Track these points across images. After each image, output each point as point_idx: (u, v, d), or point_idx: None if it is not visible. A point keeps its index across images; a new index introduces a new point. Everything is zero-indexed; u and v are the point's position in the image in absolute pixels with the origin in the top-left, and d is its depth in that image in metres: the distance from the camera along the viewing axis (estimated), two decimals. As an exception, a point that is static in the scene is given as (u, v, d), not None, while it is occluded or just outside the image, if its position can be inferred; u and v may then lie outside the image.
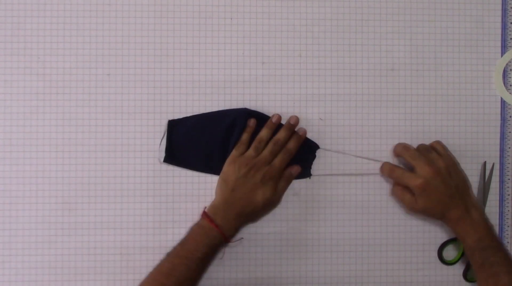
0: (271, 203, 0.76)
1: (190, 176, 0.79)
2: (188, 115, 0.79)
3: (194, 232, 0.72)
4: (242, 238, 0.78)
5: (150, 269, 0.73)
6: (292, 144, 0.78)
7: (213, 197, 0.78)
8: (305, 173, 0.80)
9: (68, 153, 0.78)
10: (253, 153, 0.75)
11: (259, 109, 0.80)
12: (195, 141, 0.79)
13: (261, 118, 0.79)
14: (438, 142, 0.78)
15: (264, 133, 0.77)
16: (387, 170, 0.78)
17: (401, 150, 0.77)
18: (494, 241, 0.71)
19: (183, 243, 0.71)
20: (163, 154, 0.78)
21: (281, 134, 0.77)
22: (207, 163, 0.78)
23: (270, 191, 0.74)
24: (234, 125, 0.78)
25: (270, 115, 0.79)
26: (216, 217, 0.72)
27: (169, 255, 0.71)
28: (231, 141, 0.77)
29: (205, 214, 0.73)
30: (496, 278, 0.69)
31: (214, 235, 0.71)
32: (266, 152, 0.76)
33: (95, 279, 0.78)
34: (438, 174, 0.73)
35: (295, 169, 0.78)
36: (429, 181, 0.73)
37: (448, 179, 0.73)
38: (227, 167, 0.76)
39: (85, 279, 0.78)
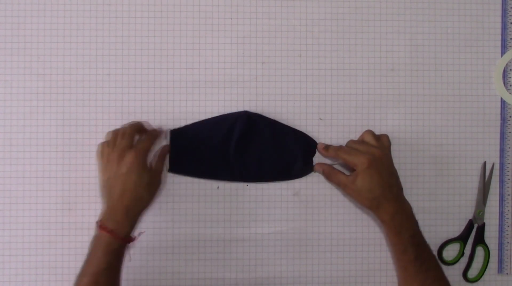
0: (152, 185, 0.73)
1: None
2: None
3: (92, 245, 0.69)
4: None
5: (150, 269, 0.73)
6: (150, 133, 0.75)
7: (213, 197, 0.78)
8: (307, 169, 0.80)
9: (68, 153, 0.78)
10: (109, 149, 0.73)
11: (259, 109, 0.80)
12: (198, 149, 0.78)
13: (262, 120, 0.78)
14: (385, 135, 0.77)
15: (123, 128, 0.74)
16: (333, 149, 0.77)
17: (334, 151, 0.76)
18: (422, 238, 0.73)
19: (86, 260, 0.69)
20: (167, 164, 0.78)
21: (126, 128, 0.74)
22: (212, 170, 0.77)
23: (144, 175, 0.71)
24: (234, 128, 0.77)
25: (271, 116, 0.79)
26: (107, 222, 0.69)
27: (78, 275, 0.68)
28: (232, 145, 0.77)
29: (96, 224, 0.70)
30: (427, 274, 0.71)
31: (109, 241, 0.68)
32: (118, 136, 0.73)
33: (95, 279, 0.78)
34: (374, 162, 0.72)
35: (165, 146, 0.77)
36: (375, 159, 0.72)
37: (384, 170, 0.73)
38: (99, 174, 0.75)
39: (85, 279, 0.78)
